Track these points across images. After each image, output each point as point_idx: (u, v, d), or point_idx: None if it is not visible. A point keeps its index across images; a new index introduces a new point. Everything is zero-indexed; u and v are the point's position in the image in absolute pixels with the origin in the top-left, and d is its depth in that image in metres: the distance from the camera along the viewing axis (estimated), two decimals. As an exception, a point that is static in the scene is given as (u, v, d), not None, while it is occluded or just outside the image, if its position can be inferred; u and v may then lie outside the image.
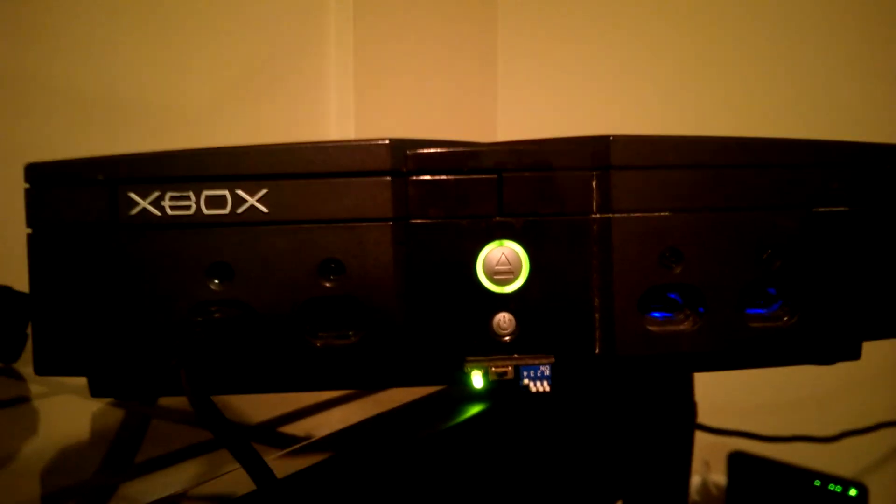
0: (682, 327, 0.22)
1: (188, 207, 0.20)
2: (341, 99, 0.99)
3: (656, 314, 0.22)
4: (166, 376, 0.19)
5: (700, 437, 0.48)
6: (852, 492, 0.83)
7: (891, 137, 0.23)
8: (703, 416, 0.45)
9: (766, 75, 1.00)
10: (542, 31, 1.22)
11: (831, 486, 0.85)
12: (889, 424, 0.74)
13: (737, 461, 0.93)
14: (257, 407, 0.27)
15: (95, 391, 0.22)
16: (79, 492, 0.20)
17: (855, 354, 0.24)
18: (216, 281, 0.20)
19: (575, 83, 1.19)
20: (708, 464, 1.03)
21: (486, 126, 1.30)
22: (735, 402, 0.94)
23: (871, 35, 0.90)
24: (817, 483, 0.87)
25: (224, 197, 0.20)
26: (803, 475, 0.87)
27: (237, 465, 0.16)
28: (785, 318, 0.22)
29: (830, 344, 0.23)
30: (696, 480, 1.04)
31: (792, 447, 0.82)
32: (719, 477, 0.98)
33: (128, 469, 0.22)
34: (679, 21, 1.08)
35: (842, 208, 0.22)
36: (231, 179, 0.20)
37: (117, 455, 0.23)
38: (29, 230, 0.20)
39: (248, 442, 0.16)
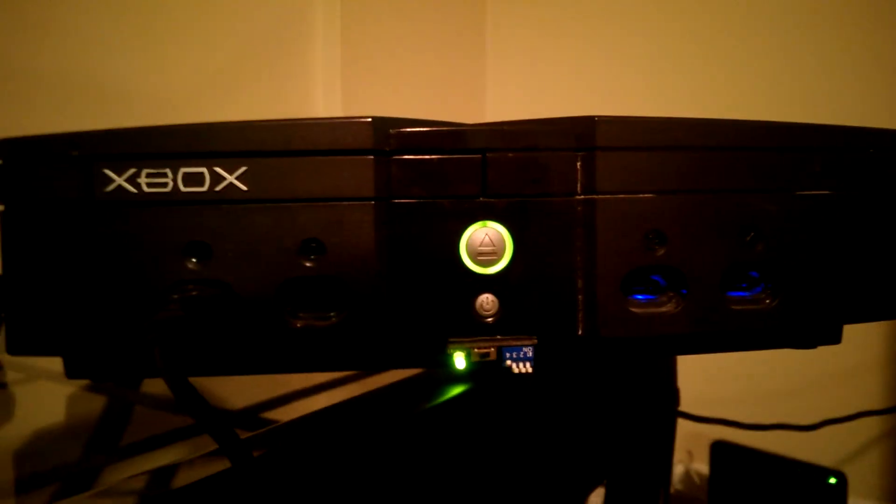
0: (664, 309, 0.22)
1: (165, 185, 0.20)
2: (328, 83, 0.98)
3: (639, 296, 0.22)
4: (142, 356, 0.19)
5: (682, 427, 0.49)
6: (832, 480, 0.84)
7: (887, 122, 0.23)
8: (686, 405, 0.46)
9: (756, 62, 1.00)
10: (531, 11, 1.22)
11: (811, 475, 0.86)
12: (868, 413, 0.75)
13: (719, 450, 0.94)
14: (241, 392, 0.27)
15: (71, 372, 0.22)
16: (62, 474, 0.20)
17: (835, 339, 0.24)
18: (194, 260, 0.20)
19: (564, 65, 1.19)
20: (691, 453, 1.04)
21: (475, 108, 1.29)
22: (717, 391, 0.95)
23: (866, 20, 0.91)
24: (798, 471, 0.88)
25: (202, 174, 0.20)
26: (784, 464, 0.88)
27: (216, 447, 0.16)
28: (767, 301, 0.22)
29: (811, 327, 0.23)
30: (679, 469, 1.05)
31: (773, 435, 0.83)
32: (702, 466, 0.99)
33: (111, 453, 0.21)
34: (668, 6, 1.08)
35: (824, 192, 0.22)
36: (209, 157, 0.20)
37: (100, 439, 0.23)
38: (1, 207, 0.20)
39: (224, 420, 0.15)
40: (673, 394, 0.35)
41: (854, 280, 0.23)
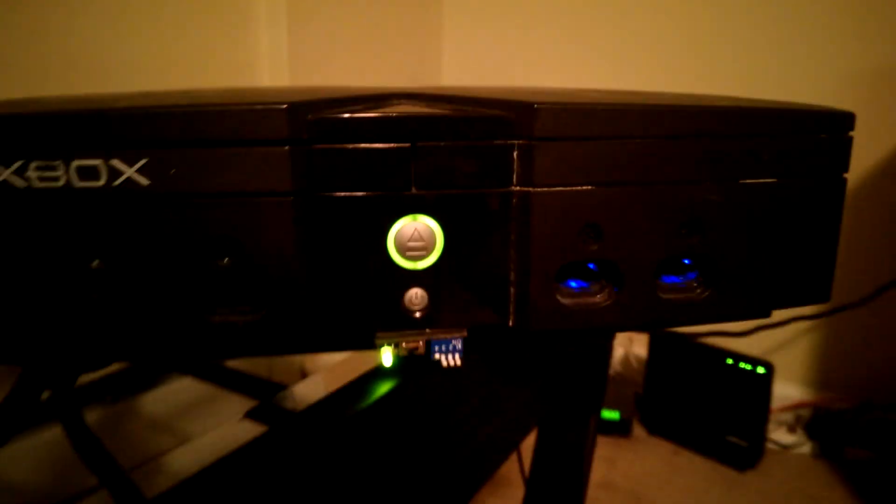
0: (596, 300, 0.21)
1: (56, 178, 0.18)
2: (273, 36, 0.91)
3: (571, 283, 0.22)
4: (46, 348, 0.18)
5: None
6: (760, 370, 0.90)
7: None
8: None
9: (731, 38, 0.95)
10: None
11: (742, 364, 0.92)
12: (800, 319, 0.79)
13: (658, 338, 0.99)
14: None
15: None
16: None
17: (764, 315, 0.24)
18: (96, 260, 0.18)
19: (521, 25, 1.12)
20: (631, 339, 1.10)
21: (431, 67, 1.23)
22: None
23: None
24: (729, 361, 0.94)
25: (97, 167, 0.18)
26: (717, 354, 0.93)
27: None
28: (698, 291, 0.22)
29: (741, 312, 0.23)
30: (619, 352, 1.11)
31: (710, 341, 0.88)
32: (641, 350, 1.04)
33: None
34: None
35: (770, 180, 0.21)
36: (105, 147, 0.18)
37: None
38: None
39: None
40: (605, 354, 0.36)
41: (787, 266, 0.23)
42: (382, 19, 1.14)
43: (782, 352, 1.00)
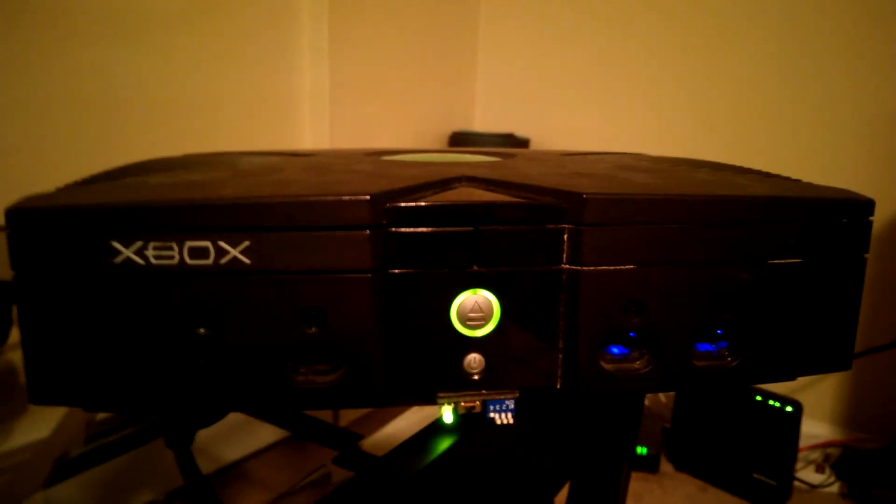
0: (635, 366, 0.24)
1: (171, 257, 0.21)
2: (315, 75, 0.96)
3: (613, 349, 0.24)
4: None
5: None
6: (788, 408, 0.91)
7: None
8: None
9: (755, 63, 0.97)
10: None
11: (770, 402, 0.92)
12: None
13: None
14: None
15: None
16: None
17: (789, 379, 0.26)
18: (202, 329, 0.21)
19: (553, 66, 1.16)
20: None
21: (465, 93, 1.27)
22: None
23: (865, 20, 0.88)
24: (758, 398, 0.94)
25: (207, 248, 0.21)
26: (746, 391, 0.94)
27: None
28: (729, 359, 0.24)
29: (767, 378, 0.25)
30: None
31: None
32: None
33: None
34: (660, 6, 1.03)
35: (796, 260, 0.24)
36: (213, 231, 0.21)
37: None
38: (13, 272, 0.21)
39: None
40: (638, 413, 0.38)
41: (812, 338, 0.25)
42: (419, 56, 1.18)
43: (811, 390, 1.00)
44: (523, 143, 1.31)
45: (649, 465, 0.97)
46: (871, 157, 0.92)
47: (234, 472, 0.89)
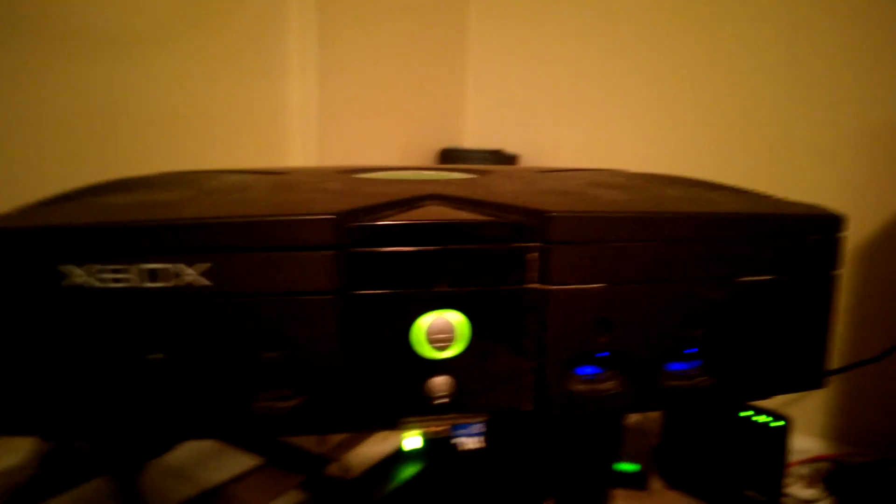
0: (606, 386, 0.23)
1: (127, 280, 0.20)
2: (304, 90, 0.96)
3: (584, 370, 0.24)
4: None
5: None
6: (777, 423, 0.90)
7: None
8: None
9: (757, 62, 0.98)
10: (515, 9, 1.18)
11: (758, 417, 0.92)
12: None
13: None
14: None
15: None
16: None
17: (763, 398, 0.26)
18: (158, 355, 0.21)
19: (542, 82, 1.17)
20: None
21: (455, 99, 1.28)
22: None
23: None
24: (745, 413, 0.93)
25: (165, 270, 0.20)
26: (733, 406, 0.93)
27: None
28: (702, 379, 0.24)
29: (740, 398, 0.24)
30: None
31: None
32: (659, 400, 1.04)
33: None
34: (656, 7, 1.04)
35: (766, 277, 0.23)
36: (172, 252, 0.20)
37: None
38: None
39: None
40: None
41: (784, 356, 0.24)
42: (408, 73, 1.18)
43: (800, 404, 1.00)
44: (512, 159, 1.32)
45: (638, 483, 0.96)
46: (853, 174, 0.93)
47: (217, 495, 0.87)
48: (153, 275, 0.20)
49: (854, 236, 0.79)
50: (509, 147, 1.27)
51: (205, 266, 0.20)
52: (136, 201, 0.24)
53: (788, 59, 0.95)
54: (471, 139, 1.39)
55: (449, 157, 1.29)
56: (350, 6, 1.05)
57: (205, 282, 0.20)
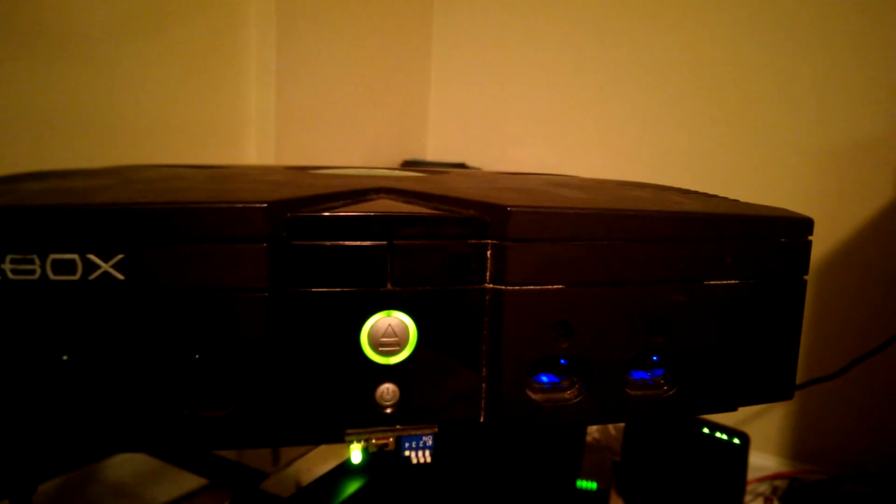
0: (566, 395, 0.22)
1: (32, 272, 0.18)
2: (261, 96, 0.94)
3: (542, 377, 0.22)
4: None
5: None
6: (735, 440, 0.90)
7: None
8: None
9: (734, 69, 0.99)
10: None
11: (718, 434, 0.92)
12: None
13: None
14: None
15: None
16: None
17: (730, 409, 0.25)
18: (65, 357, 0.18)
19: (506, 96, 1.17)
20: (610, 405, 1.09)
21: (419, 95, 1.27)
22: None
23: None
24: (705, 430, 0.93)
25: (73, 261, 0.18)
26: (693, 423, 0.93)
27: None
28: (665, 388, 0.22)
29: (706, 409, 0.23)
30: (597, 419, 1.10)
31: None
32: (619, 417, 1.04)
33: None
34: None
35: (733, 281, 0.22)
36: (81, 241, 0.18)
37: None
38: None
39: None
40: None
41: (751, 365, 0.23)
42: (370, 82, 1.17)
43: (758, 422, 1.00)
44: (474, 173, 1.31)
45: (599, 501, 0.95)
46: (814, 189, 0.95)
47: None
48: (59, 266, 0.18)
49: (813, 252, 0.80)
50: (472, 161, 1.27)
51: (118, 257, 0.18)
52: (51, 187, 0.22)
53: (752, 82, 0.97)
54: (433, 152, 1.39)
55: (411, 169, 1.28)
56: (311, 13, 1.03)
57: (118, 275, 0.18)
